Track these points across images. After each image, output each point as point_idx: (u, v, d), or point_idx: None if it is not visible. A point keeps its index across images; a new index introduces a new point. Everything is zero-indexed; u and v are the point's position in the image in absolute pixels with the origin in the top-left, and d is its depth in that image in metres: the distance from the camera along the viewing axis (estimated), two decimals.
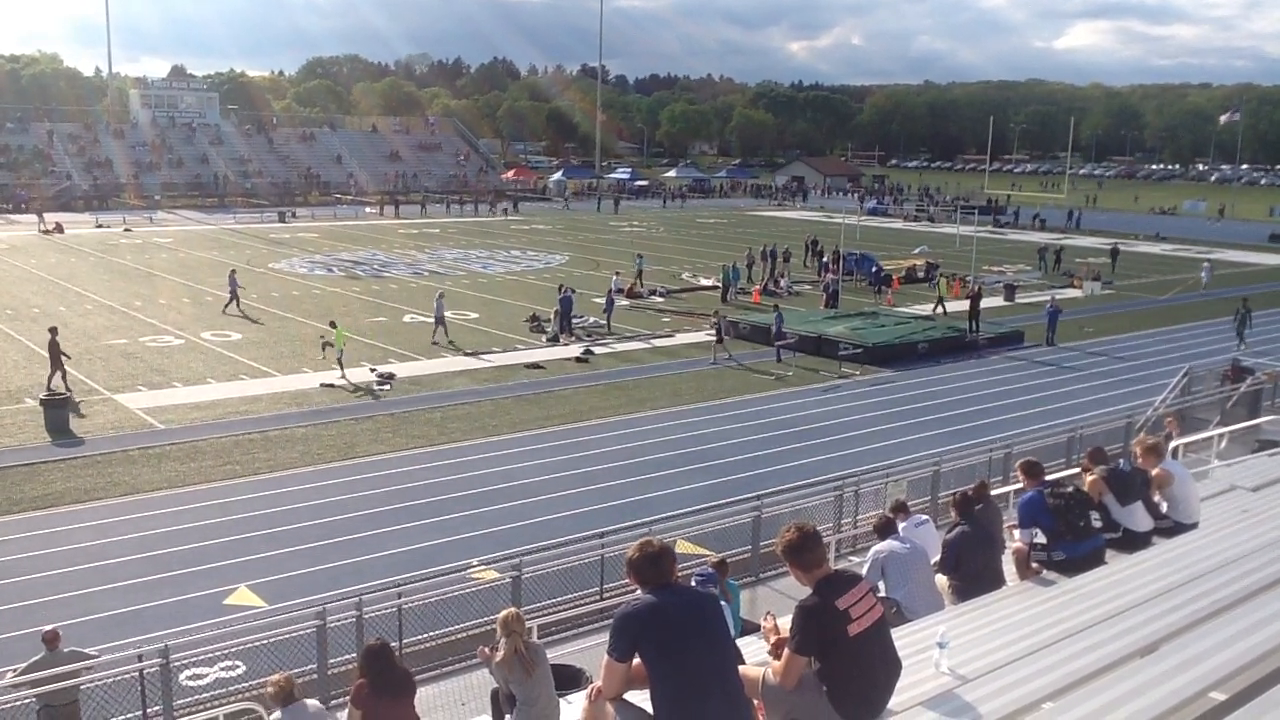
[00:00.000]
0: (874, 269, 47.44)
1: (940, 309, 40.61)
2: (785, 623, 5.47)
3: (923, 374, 30.75)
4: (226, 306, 37.34)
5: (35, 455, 21.54)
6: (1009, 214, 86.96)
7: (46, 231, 61.41)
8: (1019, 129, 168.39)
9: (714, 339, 32.08)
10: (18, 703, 10.81)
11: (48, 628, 11.41)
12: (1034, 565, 8.35)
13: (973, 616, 6.93)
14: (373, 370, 28.77)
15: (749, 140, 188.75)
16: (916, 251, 59.66)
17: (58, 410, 23.26)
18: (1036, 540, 8.41)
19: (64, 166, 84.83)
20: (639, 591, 5.02)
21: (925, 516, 11.61)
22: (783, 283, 46.59)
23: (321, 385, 27.29)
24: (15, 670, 11.10)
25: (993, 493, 11.23)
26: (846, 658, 5.06)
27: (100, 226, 65.25)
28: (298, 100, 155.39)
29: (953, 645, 5.68)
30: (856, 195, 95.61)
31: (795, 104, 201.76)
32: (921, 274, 50.12)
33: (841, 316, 37.82)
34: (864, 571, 8.63)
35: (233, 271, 39.05)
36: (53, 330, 26.62)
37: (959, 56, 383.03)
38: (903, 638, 5.91)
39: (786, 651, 5.21)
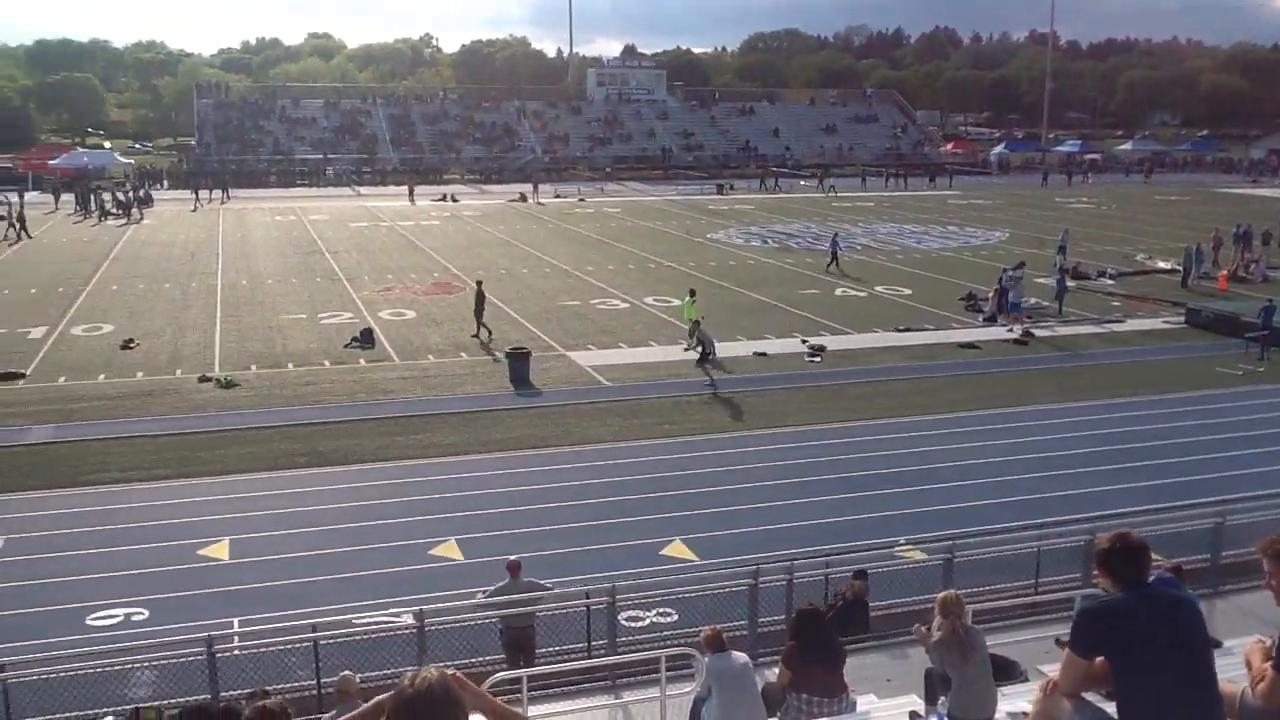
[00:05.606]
0: None
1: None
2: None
3: None
4: (829, 266, 40.94)
5: (500, 403, 23.91)
6: None
7: (513, 200, 67.60)
8: None
9: (701, 356, 27.20)
10: (485, 621, 12.12)
11: (511, 557, 12.68)
12: None
13: None
14: (804, 341, 29.17)
15: (1219, 109, 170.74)
16: None
17: (519, 363, 25.62)
18: None
19: (528, 141, 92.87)
20: (1105, 586, 4.69)
21: None
22: (1254, 269, 41.85)
23: (755, 355, 28.02)
24: (485, 592, 12.46)
25: None
26: None
27: (558, 197, 70.87)
28: (738, 75, 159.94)
29: None
30: None
31: (1277, 67, 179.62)
32: None
33: None
34: None
35: (835, 234, 43.61)
36: (478, 283, 30.53)
37: None
38: None
39: (1271, 671, 4.69)
